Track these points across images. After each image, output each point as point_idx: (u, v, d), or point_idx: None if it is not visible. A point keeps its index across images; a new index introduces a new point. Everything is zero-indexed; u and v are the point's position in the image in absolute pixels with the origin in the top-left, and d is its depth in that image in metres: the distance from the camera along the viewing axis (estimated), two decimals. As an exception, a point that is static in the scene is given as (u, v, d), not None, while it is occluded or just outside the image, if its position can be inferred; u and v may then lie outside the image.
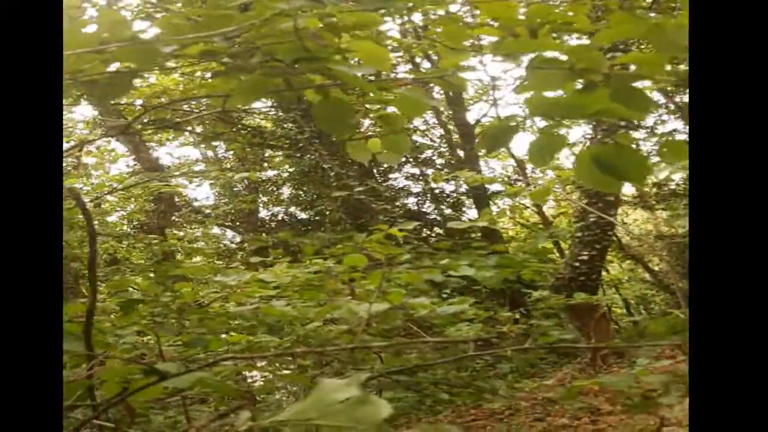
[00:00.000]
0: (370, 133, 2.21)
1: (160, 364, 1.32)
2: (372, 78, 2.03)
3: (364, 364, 4.25)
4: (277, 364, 4.35)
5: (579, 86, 1.74)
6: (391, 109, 2.10)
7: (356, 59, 1.93)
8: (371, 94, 2.08)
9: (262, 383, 5.14)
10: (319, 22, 1.78)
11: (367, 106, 2.17)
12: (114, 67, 1.86)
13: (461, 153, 13.26)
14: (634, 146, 1.80)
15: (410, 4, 2.34)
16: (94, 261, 1.89)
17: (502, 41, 1.85)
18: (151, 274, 3.32)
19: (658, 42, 1.69)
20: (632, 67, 1.76)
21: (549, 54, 1.77)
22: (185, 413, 2.18)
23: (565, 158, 13.09)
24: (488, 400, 5.78)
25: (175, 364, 1.33)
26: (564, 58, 1.73)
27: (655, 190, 12.42)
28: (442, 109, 13.35)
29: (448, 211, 13.12)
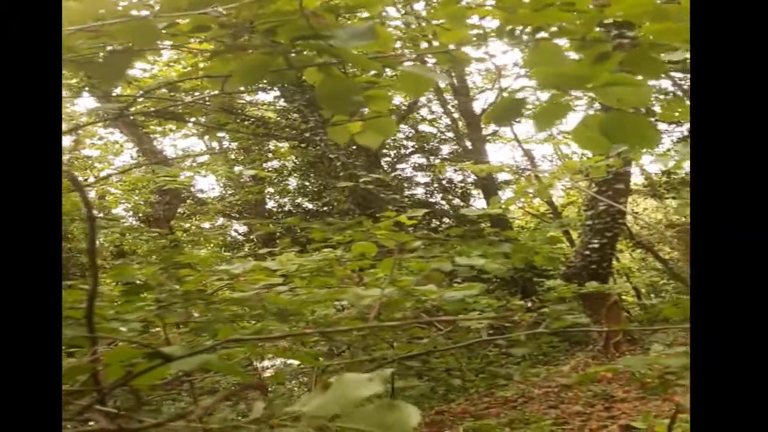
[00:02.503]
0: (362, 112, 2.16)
1: (165, 348, 1.27)
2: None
3: (376, 352, 4.20)
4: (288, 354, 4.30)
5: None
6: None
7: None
8: (373, 72, 2.05)
9: (272, 373, 5.11)
10: (318, 1, 1.75)
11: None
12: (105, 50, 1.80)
13: (468, 143, 13.21)
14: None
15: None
16: (94, 243, 1.83)
17: (507, 22, 1.84)
18: (156, 264, 3.27)
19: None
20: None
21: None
22: (195, 402, 2.13)
23: (575, 146, 13.02)
24: (501, 388, 5.73)
25: (180, 347, 1.28)
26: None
27: (664, 178, 12.34)
28: (448, 98, 13.28)
29: (456, 201, 13.07)
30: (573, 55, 1.81)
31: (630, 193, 10.90)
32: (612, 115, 1.78)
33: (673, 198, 12.52)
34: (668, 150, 9.64)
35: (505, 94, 1.92)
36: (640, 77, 1.72)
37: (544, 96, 1.91)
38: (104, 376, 1.44)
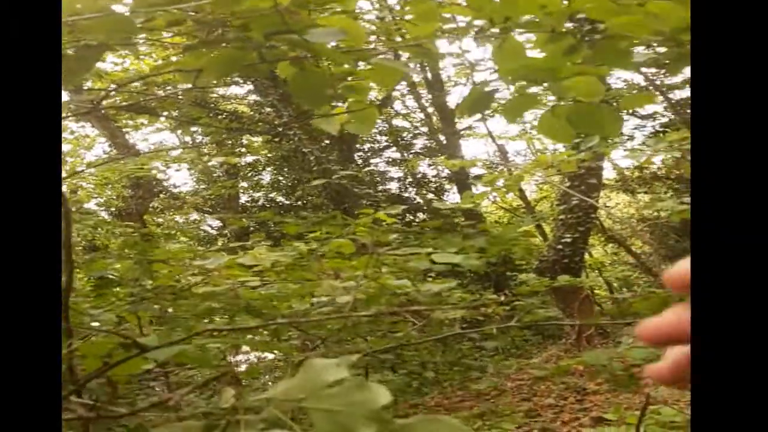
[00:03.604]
0: (337, 105, 2.17)
1: (140, 338, 1.27)
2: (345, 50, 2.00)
3: (350, 346, 4.21)
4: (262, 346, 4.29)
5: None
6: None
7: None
8: (345, 66, 2.06)
9: (246, 368, 5.09)
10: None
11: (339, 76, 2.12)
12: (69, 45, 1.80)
13: (442, 138, 13.24)
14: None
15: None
16: (69, 237, 1.83)
17: (476, 16, 1.87)
18: (129, 259, 3.25)
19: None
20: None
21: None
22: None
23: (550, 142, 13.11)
24: (475, 381, 5.77)
25: (155, 338, 1.28)
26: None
27: (636, 173, 12.46)
28: (422, 92, 13.29)
29: (430, 196, 13.11)
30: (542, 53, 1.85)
31: (602, 187, 11.00)
32: (577, 105, 1.83)
33: (645, 193, 12.65)
34: (641, 144, 9.72)
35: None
36: (610, 67, 1.76)
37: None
38: (80, 368, 1.44)
